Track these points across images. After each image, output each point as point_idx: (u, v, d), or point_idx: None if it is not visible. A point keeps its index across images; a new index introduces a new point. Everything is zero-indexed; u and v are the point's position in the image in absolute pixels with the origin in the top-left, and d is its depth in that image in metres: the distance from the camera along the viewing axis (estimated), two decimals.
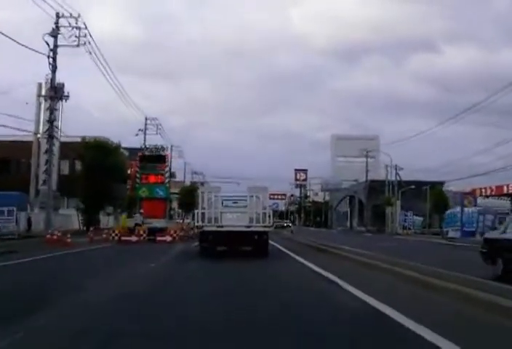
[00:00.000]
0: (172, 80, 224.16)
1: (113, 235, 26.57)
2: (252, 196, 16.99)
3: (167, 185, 31.92)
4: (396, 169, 69.68)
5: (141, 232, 26.81)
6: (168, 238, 26.56)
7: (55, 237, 23.26)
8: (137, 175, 31.44)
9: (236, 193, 17.94)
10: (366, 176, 75.34)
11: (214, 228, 16.55)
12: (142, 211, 29.47)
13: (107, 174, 35.44)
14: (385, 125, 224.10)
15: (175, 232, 27.34)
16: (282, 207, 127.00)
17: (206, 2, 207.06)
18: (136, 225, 28.29)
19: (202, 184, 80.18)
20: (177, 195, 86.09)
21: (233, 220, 16.69)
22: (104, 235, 26.99)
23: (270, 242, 20.53)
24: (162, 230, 27.54)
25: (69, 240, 23.07)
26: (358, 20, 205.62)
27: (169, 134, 75.78)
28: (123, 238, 26.18)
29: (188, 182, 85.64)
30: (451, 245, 32.00)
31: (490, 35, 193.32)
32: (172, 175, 78.08)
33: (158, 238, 26.34)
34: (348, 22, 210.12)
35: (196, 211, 17.98)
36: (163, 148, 32.51)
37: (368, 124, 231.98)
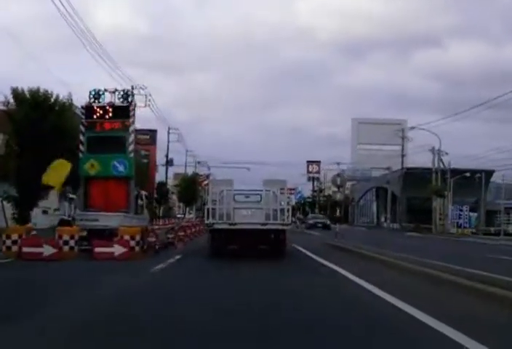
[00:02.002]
0: (177, 74, 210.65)
1: (9, 244, 13.78)
2: (269, 190, 14.95)
3: (131, 154, 18.80)
4: (438, 154, 57.70)
5: (65, 236, 13.92)
6: (118, 250, 13.69)
7: None
8: (82, 139, 18.62)
9: (250, 187, 16.11)
10: (402, 163, 62.60)
11: (225, 226, 14.61)
12: (72, 196, 16.47)
13: (49, 143, 22.77)
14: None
15: (133, 237, 14.43)
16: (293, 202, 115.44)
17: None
18: (62, 222, 15.52)
19: (208, 176, 69.35)
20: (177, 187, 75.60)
21: (247, 217, 14.64)
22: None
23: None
24: (112, 234, 14.84)
25: None
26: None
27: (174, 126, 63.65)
28: (25, 249, 13.43)
29: (190, 173, 74.53)
30: None
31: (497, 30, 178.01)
32: (170, 162, 66.72)
33: (97, 250, 13.50)
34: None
35: (205, 206, 15.94)
36: (127, 94, 19.12)
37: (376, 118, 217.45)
